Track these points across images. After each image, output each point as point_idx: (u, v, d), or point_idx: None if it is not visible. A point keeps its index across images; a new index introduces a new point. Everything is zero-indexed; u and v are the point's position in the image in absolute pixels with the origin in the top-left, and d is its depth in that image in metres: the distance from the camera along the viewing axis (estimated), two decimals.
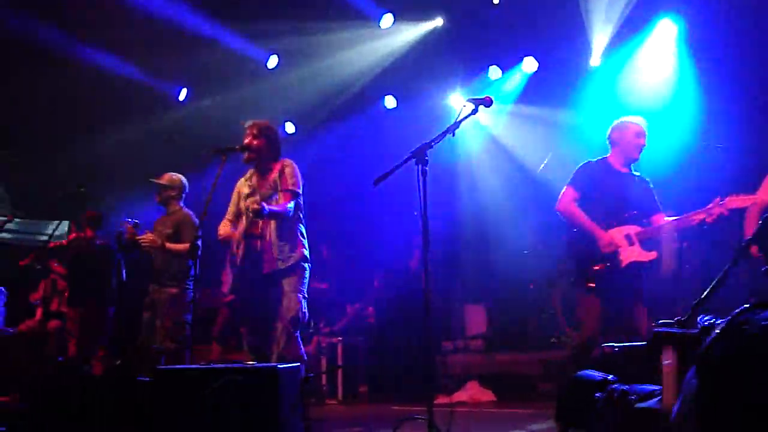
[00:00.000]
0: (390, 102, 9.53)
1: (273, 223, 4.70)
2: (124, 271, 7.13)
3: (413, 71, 9.07)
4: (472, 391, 7.01)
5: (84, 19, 8.26)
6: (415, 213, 7.85)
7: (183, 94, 10.13)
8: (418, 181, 3.45)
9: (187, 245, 5.52)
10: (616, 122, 4.78)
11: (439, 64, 8.78)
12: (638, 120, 4.74)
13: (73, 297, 7.10)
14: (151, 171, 6.16)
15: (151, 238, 5.58)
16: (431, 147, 3.49)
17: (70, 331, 6.99)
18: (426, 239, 3.43)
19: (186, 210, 5.90)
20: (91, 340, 6.86)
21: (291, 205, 4.74)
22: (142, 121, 9.57)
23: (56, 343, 7.35)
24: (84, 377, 4.38)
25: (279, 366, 3.64)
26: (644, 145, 4.67)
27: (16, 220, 8.08)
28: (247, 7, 8.32)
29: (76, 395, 4.04)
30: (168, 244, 5.62)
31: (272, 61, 9.42)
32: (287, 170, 4.80)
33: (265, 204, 4.49)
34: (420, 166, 3.45)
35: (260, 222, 4.71)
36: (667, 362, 2.54)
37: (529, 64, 8.49)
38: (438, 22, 8.34)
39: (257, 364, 3.85)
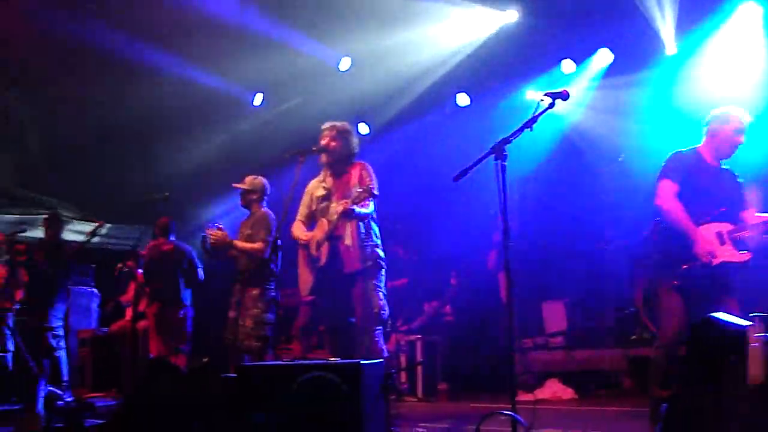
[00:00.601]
0: (463, 99, 9.51)
1: (353, 225, 4.77)
2: (200, 271, 7.41)
3: (486, 67, 9.02)
4: (553, 389, 6.92)
5: (163, 29, 8.56)
6: (491, 212, 7.86)
7: (258, 99, 10.37)
8: (498, 176, 3.43)
9: (253, 245, 5.77)
10: (717, 111, 4.54)
11: (512, 59, 8.70)
12: (740, 114, 4.48)
13: (150, 299, 7.47)
14: (233, 175, 6.33)
15: (220, 234, 5.69)
16: (509, 142, 3.47)
17: (152, 330, 7.36)
18: (507, 235, 3.41)
19: (265, 210, 5.98)
20: (167, 339, 7.14)
21: (372, 207, 4.81)
22: (220, 128, 9.86)
23: (143, 342, 7.70)
24: (173, 374, 4.54)
25: (362, 362, 3.69)
26: (741, 143, 4.45)
27: (107, 225, 8.47)
28: (318, 10, 8.43)
29: (167, 391, 4.18)
30: (237, 242, 5.76)
31: (344, 63, 9.54)
32: (365, 173, 4.85)
33: (355, 206, 4.55)
34: (499, 162, 3.43)
35: (344, 224, 4.77)
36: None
37: (604, 56, 8.34)
38: (512, 15, 8.21)
39: (340, 360, 3.90)
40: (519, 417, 3.25)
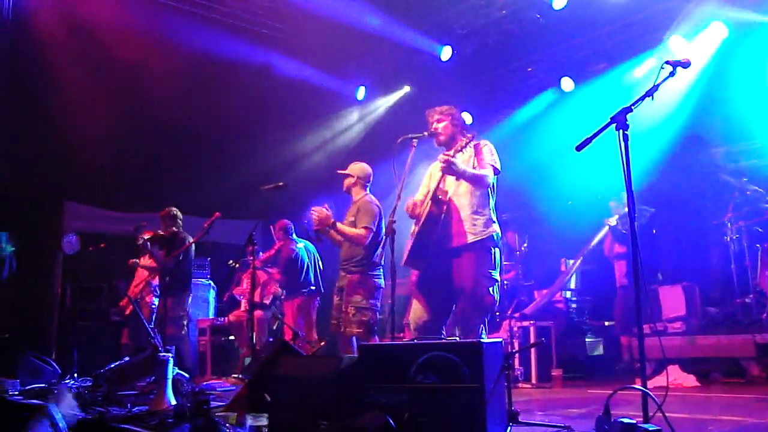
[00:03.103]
0: (567, 84, 9.31)
1: (469, 197, 4.68)
2: (319, 262, 7.73)
3: (588, 51, 8.81)
4: (673, 376, 6.65)
5: (272, 29, 8.84)
6: (612, 203, 7.59)
7: (361, 93, 10.52)
8: (620, 145, 3.33)
9: (356, 231, 5.70)
10: None
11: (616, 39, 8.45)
12: None
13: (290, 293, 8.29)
14: (341, 165, 6.42)
15: (324, 213, 5.66)
16: (631, 111, 3.36)
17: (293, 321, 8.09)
18: (632, 207, 3.29)
19: (368, 197, 5.95)
20: (303, 326, 7.95)
21: (490, 175, 4.67)
22: (328, 121, 10.07)
23: (259, 330, 8.02)
24: (295, 355, 4.66)
25: (483, 341, 3.66)
26: None
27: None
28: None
29: (289, 371, 4.28)
30: (339, 225, 5.69)
31: (446, 53, 9.54)
32: (485, 148, 4.79)
33: (457, 162, 4.45)
34: (621, 131, 3.33)
35: (455, 188, 4.69)
36: None
37: (718, 30, 7.97)
38: None
39: (461, 340, 3.88)
40: (651, 394, 3.13)
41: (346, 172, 6.06)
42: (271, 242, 9.41)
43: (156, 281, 8.20)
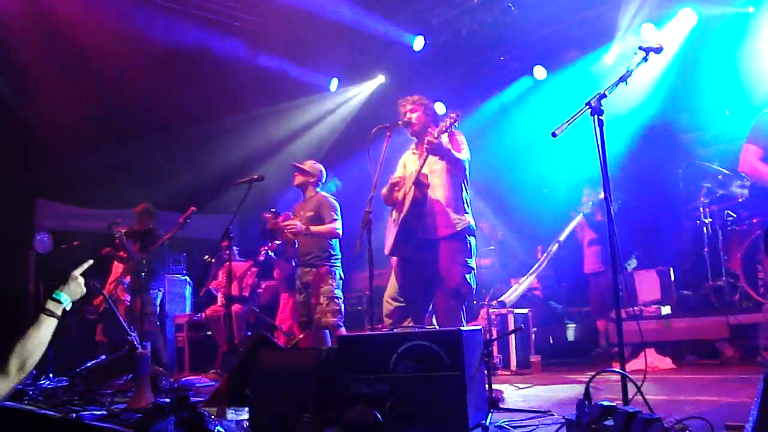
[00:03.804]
0: (540, 73, 9.34)
1: (444, 190, 4.73)
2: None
3: (560, 39, 8.84)
4: (650, 359, 6.72)
5: (243, 21, 8.75)
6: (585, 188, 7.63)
7: (334, 84, 10.46)
8: (595, 130, 3.35)
9: (329, 226, 5.94)
10: None
11: (588, 28, 8.49)
12: None
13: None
14: (316, 156, 6.47)
15: (296, 224, 5.85)
16: (605, 96, 3.39)
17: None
18: (608, 193, 3.31)
19: (324, 193, 6.20)
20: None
21: (467, 161, 4.72)
22: (298, 113, 10.00)
23: (238, 324, 7.97)
24: (274, 348, 4.64)
25: (462, 329, 3.67)
26: None
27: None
28: None
29: (269, 364, 4.26)
30: (313, 228, 5.90)
31: (418, 43, 9.51)
32: (459, 137, 4.82)
33: (443, 139, 4.50)
34: (596, 116, 3.35)
35: (433, 176, 4.72)
36: None
37: (687, 17, 8.04)
38: None
39: (440, 329, 3.89)
40: (630, 376, 3.16)
41: (306, 169, 6.21)
42: (249, 236, 9.39)
43: (127, 278, 8.11)
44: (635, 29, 8.14)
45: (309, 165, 6.28)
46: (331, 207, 6.02)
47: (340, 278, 6.04)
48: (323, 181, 6.35)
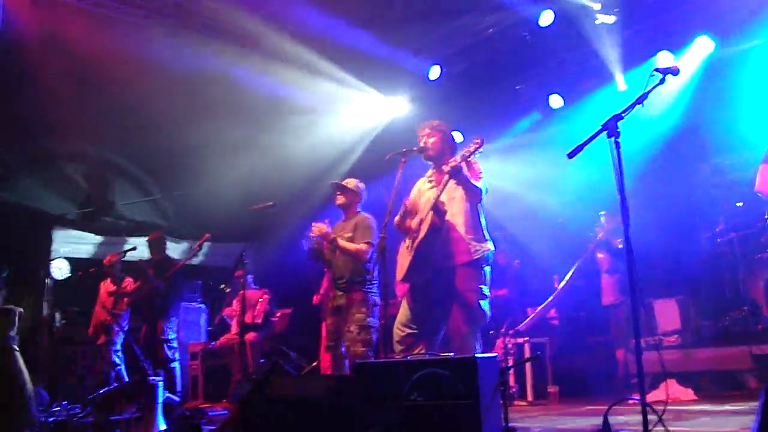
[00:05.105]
0: (556, 101, 9.32)
1: (463, 217, 4.68)
2: None
3: (576, 68, 8.83)
4: (671, 390, 6.58)
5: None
6: (601, 213, 7.61)
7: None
8: (612, 153, 3.31)
9: (357, 246, 5.62)
10: None
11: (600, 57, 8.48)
12: None
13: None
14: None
15: (325, 228, 5.62)
16: (622, 118, 3.35)
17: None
18: (626, 216, 3.25)
19: (365, 214, 5.90)
20: None
21: (484, 190, 4.67)
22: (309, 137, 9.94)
23: (253, 352, 7.91)
24: (287, 376, 4.59)
25: (478, 356, 3.61)
26: None
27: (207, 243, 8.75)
28: (407, 17, 8.46)
29: (281, 392, 4.20)
30: (339, 241, 5.63)
31: (434, 72, 9.54)
32: (476, 166, 4.77)
33: (463, 166, 4.43)
34: (612, 139, 3.31)
35: (451, 204, 4.67)
36: None
37: (704, 44, 8.01)
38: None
39: (456, 355, 3.82)
40: (650, 405, 3.08)
41: (350, 188, 5.94)
42: (266, 262, 9.36)
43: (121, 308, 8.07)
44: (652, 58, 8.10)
45: (353, 184, 5.97)
46: (367, 228, 5.72)
47: (375, 305, 5.68)
48: (364, 200, 6.03)
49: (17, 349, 5.14)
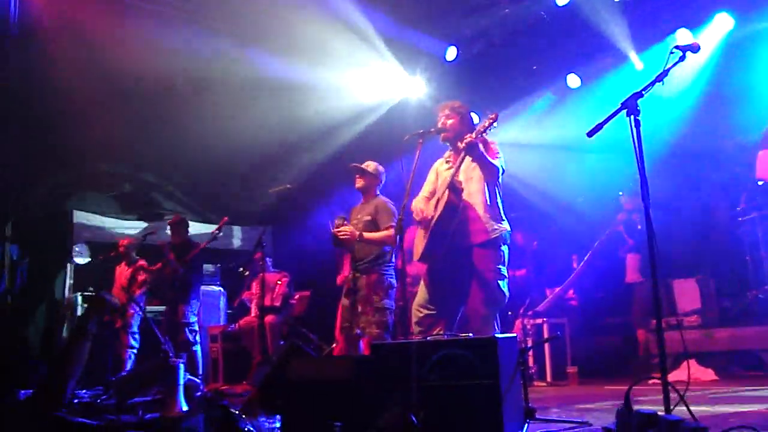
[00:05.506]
0: (573, 81, 9.24)
1: (480, 196, 4.65)
2: None
3: (593, 47, 8.73)
4: (692, 370, 6.54)
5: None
6: (620, 193, 7.56)
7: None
8: (632, 131, 3.26)
9: (384, 233, 5.58)
10: None
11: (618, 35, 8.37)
12: None
13: None
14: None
15: (350, 230, 5.60)
16: (642, 96, 3.31)
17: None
18: (647, 196, 3.22)
19: (383, 197, 5.87)
20: None
21: (500, 167, 4.63)
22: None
23: (272, 334, 7.96)
24: (306, 358, 4.61)
25: (497, 336, 3.60)
26: None
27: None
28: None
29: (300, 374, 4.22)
30: (366, 235, 5.60)
31: (451, 53, 9.48)
32: (494, 145, 4.73)
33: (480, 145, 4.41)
34: (632, 117, 3.27)
35: (468, 183, 4.64)
36: None
37: (724, 21, 7.88)
38: None
39: (474, 336, 3.81)
40: (671, 384, 3.06)
41: (370, 171, 5.90)
42: (285, 245, 9.35)
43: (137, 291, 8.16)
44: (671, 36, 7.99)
45: (373, 167, 5.93)
46: (387, 211, 5.70)
47: (391, 287, 5.68)
48: (383, 183, 6.01)
49: (90, 338, 5.28)
